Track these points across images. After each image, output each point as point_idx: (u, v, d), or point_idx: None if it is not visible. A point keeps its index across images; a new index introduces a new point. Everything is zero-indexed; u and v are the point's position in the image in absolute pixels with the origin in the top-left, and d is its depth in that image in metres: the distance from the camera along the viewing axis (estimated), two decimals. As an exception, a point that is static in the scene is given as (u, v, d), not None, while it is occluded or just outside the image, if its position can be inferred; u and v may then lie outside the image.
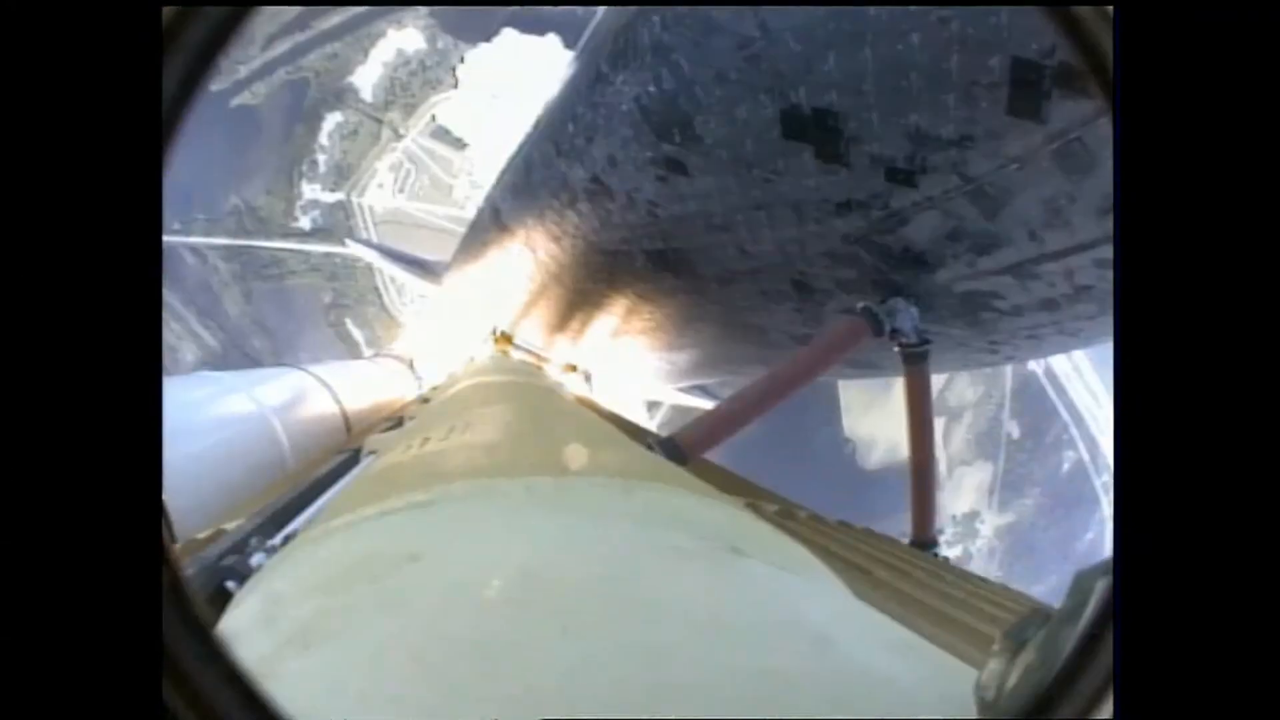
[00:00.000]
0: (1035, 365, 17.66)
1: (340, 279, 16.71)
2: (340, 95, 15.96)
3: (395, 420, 4.28)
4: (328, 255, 16.42)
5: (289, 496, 2.16)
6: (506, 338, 9.17)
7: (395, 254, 14.72)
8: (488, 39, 15.78)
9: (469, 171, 16.07)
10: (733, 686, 0.75)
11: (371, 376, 7.53)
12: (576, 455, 1.85)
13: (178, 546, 2.25)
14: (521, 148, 6.56)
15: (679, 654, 0.81)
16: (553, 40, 15.50)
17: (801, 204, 4.07)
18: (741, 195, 4.27)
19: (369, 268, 16.08)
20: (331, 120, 16.06)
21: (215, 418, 4.02)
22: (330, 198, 16.21)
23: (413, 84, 16.07)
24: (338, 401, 5.36)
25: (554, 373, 8.51)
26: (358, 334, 16.43)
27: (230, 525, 2.09)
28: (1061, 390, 18.19)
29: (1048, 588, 18.28)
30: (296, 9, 15.37)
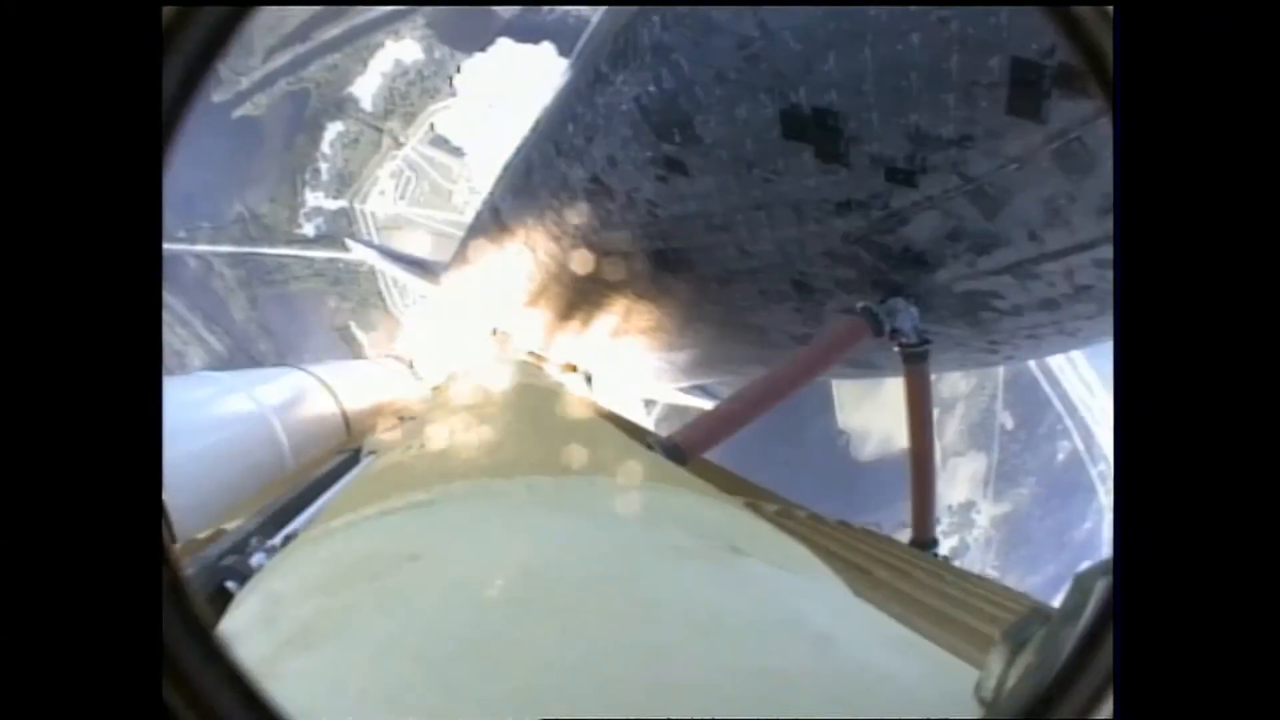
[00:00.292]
0: (1029, 356, 17.73)
1: (344, 283, 17.11)
2: (341, 105, 16.39)
3: (395, 420, 4.28)
4: (331, 260, 16.82)
5: (289, 496, 2.16)
6: (506, 337, 9.17)
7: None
8: (483, 48, 16.14)
9: (467, 178, 16.38)
10: (732, 686, 0.75)
11: (371, 376, 7.53)
12: (576, 455, 1.85)
13: (178, 546, 2.25)
14: (521, 148, 6.56)
15: (679, 653, 0.81)
16: (547, 48, 15.83)
17: (801, 204, 4.07)
18: (741, 195, 4.27)
19: (372, 272, 16.42)
20: (333, 129, 16.50)
21: (215, 417, 4.02)
22: (333, 205, 16.64)
23: (411, 93, 16.47)
24: (338, 401, 5.35)
25: (554, 372, 8.51)
26: (362, 337, 16.68)
27: (230, 525, 2.09)
28: (1054, 381, 18.25)
29: (1045, 577, 18.37)
30: (296, 21, 15.66)
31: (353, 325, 16.74)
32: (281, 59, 15.99)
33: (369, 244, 15.81)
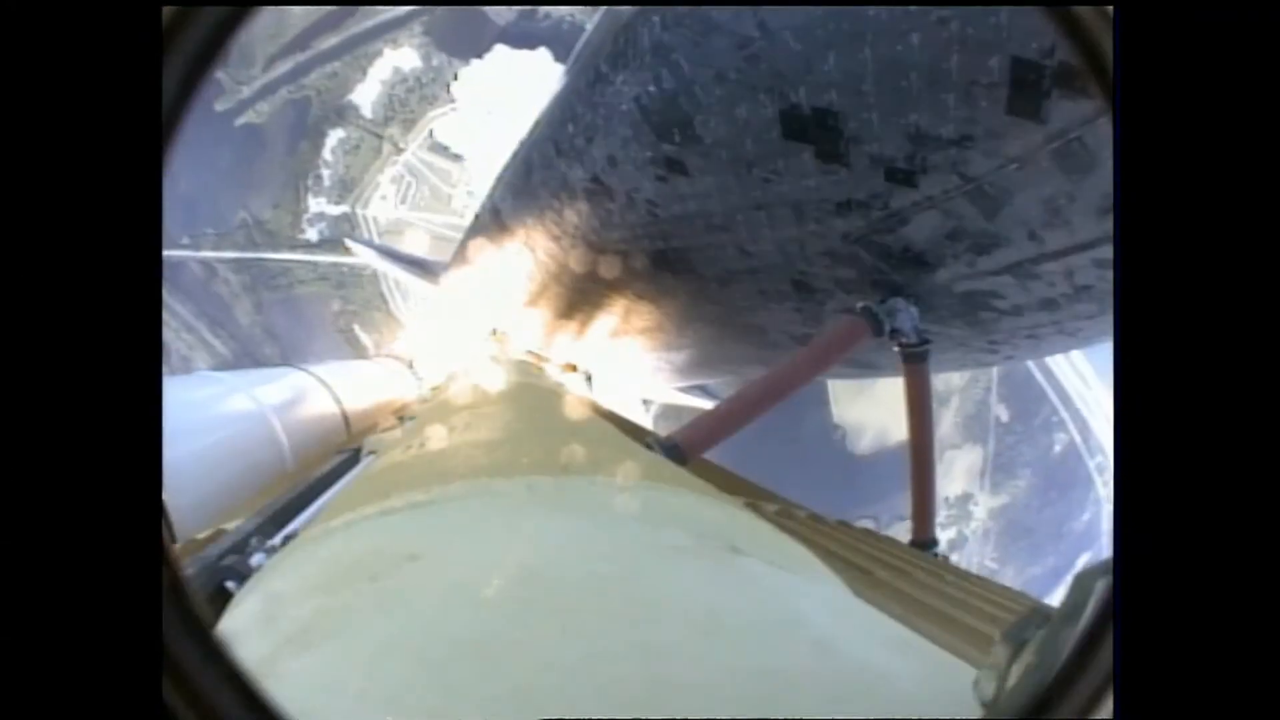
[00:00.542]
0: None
1: (347, 286, 17.44)
2: (341, 112, 16.72)
3: (395, 420, 4.29)
4: (335, 265, 17.17)
5: (289, 496, 2.16)
6: (505, 337, 9.17)
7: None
8: (479, 55, 16.45)
9: (466, 182, 16.68)
10: (732, 685, 0.75)
11: (371, 376, 7.53)
12: (576, 455, 1.85)
13: (178, 546, 2.25)
14: (521, 148, 6.56)
15: (678, 653, 0.81)
16: (543, 54, 16.14)
17: (801, 204, 4.07)
18: (741, 195, 4.27)
19: (375, 275, 16.67)
20: (334, 136, 16.85)
21: (215, 417, 4.02)
22: (335, 210, 17.00)
23: (410, 100, 16.81)
24: (338, 401, 5.35)
25: (554, 372, 8.51)
26: (365, 339, 16.92)
27: (230, 525, 2.09)
28: (1049, 373, 18.29)
29: (1045, 569, 18.40)
30: (296, 30, 15.98)
31: (356, 328, 16.93)
32: (282, 68, 16.32)
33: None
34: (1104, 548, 18.06)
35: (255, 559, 1.61)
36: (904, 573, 2.37)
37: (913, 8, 2.96)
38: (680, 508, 1.54)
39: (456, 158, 16.87)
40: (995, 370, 18.40)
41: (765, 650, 0.85)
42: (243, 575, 1.53)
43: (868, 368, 5.93)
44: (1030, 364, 18.11)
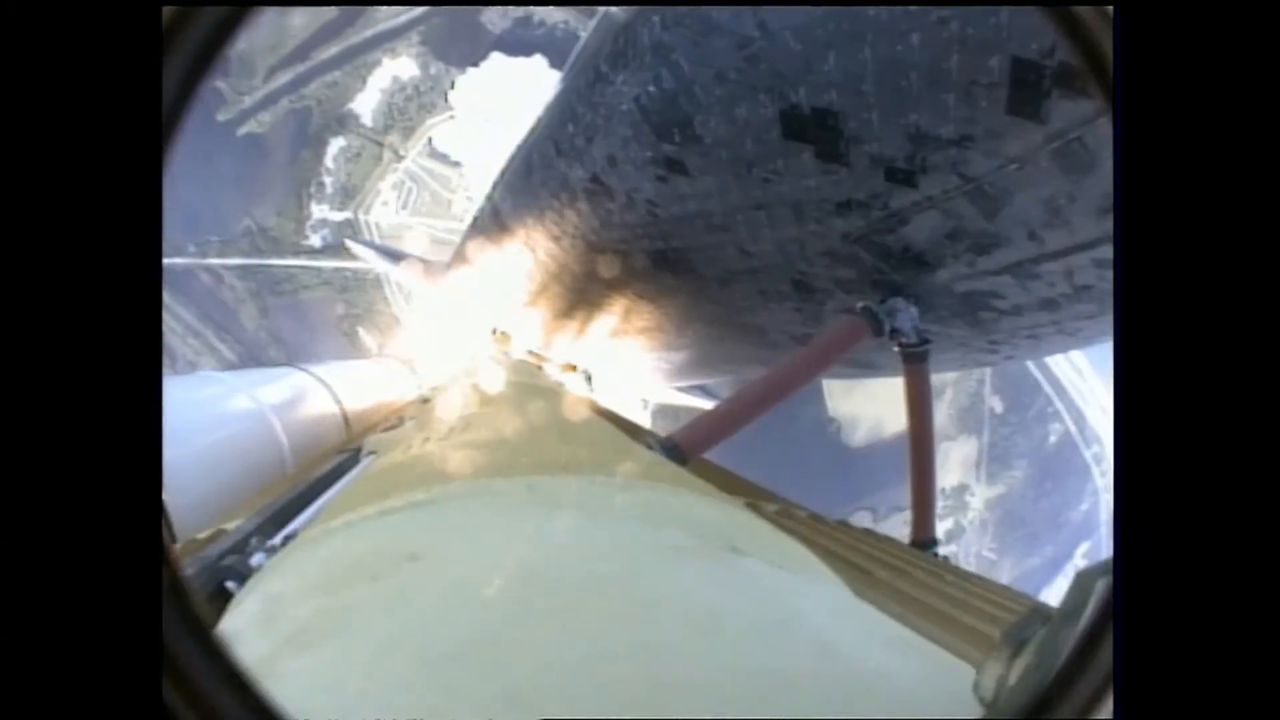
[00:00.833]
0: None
1: (351, 290, 17.83)
2: (342, 121, 17.09)
3: (395, 420, 4.29)
4: (338, 270, 17.56)
5: (289, 496, 2.16)
6: (505, 337, 9.17)
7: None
8: (476, 63, 16.82)
9: (465, 187, 17.08)
10: (732, 685, 0.75)
11: (371, 376, 7.53)
12: (576, 455, 1.85)
13: (178, 546, 2.25)
14: (521, 148, 6.56)
15: (678, 653, 0.81)
16: (539, 61, 16.45)
17: (801, 204, 4.07)
18: (741, 195, 4.27)
19: (378, 279, 16.95)
20: (335, 145, 17.23)
21: (215, 417, 4.01)
22: (338, 216, 17.38)
23: (409, 108, 17.17)
24: (338, 401, 5.35)
25: (554, 372, 8.52)
26: (369, 341, 17.21)
27: (230, 525, 2.09)
28: (1043, 365, 18.31)
29: (1044, 559, 18.42)
30: (296, 41, 16.40)
31: (360, 330, 17.17)
32: (283, 78, 16.67)
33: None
34: (1102, 537, 18.10)
35: (255, 559, 1.61)
36: (904, 573, 2.37)
37: (913, 8, 2.96)
38: (680, 508, 1.54)
39: (455, 164, 17.24)
40: (989, 362, 18.41)
41: (765, 650, 0.85)
42: (243, 575, 1.53)
43: (868, 368, 5.93)
44: (1025, 357, 18.13)
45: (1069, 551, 18.42)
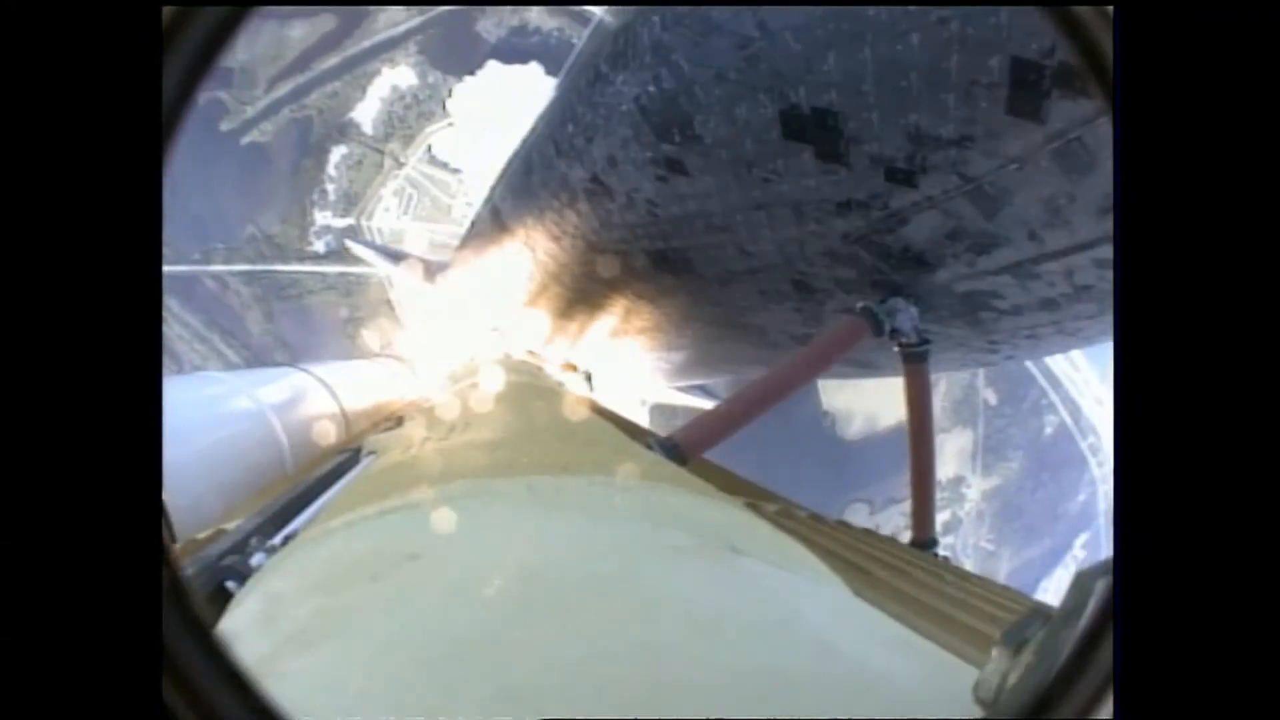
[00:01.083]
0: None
1: (355, 294, 18.24)
2: (343, 130, 17.49)
3: (395, 420, 4.28)
4: (342, 274, 17.99)
5: (289, 496, 2.16)
6: (505, 337, 9.17)
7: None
8: (472, 72, 17.26)
9: (465, 193, 17.68)
10: (732, 685, 0.75)
11: (371, 376, 7.53)
12: (576, 455, 1.85)
13: (178, 546, 2.24)
14: (521, 148, 6.56)
15: (678, 653, 0.81)
16: (535, 68, 16.86)
17: (801, 204, 4.07)
18: (741, 195, 4.27)
19: (381, 283, 17.31)
20: (337, 153, 17.63)
21: (215, 417, 4.01)
22: (341, 223, 17.79)
23: (409, 117, 17.60)
24: (337, 401, 5.35)
25: (554, 372, 8.51)
26: (373, 343, 17.62)
27: (230, 525, 2.09)
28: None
29: (1043, 549, 18.44)
30: (296, 52, 16.87)
31: (365, 333, 17.47)
32: (284, 88, 17.05)
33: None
34: (1100, 528, 18.12)
35: (255, 559, 1.61)
36: (904, 573, 2.37)
37: (913, 8, 2.96)
38: (680, 508, 1.54)
39: (455, 170, 17.63)
40: (983, 355, 18.45)
41: (765, 650, 0.85)
42: (243, 575, 1.53)
43: (868, 367, 5.93)
44: (1019, 348, 18.15)
45: (1068, 542, 18.47)
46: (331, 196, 17.63)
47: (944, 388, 18.31)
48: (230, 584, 1.52)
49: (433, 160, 17.68)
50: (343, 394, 5.48)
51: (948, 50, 2.96)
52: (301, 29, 16.70)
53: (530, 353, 8.92)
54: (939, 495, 18.03)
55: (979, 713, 0.65)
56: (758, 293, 5.25)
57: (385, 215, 17.73)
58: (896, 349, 4.57)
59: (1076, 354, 17.82)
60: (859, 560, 2.37)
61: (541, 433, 2.51)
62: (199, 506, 2.92)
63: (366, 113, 17.42)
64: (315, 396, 5.18)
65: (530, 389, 4.73)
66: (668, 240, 5.17)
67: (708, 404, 10.93)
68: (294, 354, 17.34)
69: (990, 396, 18.76)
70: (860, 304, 4.38)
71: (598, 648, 0.80)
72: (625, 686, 0.73)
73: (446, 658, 0.78)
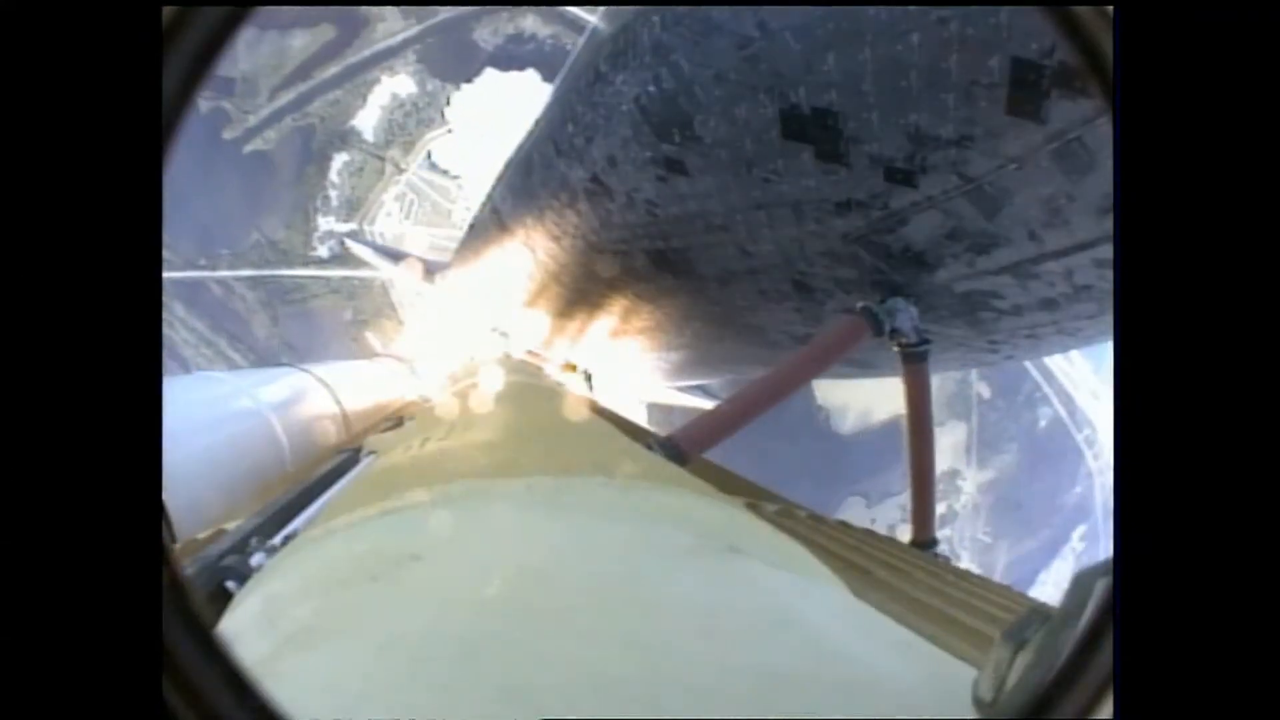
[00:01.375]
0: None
1: (358, 297, 18.61)
2: (344, 137, 17.89)
3: (395, 420, 4.28)
4: (346, 278, 18.41)
5: (289, 496, 2.16)
6: (506, 337, 9.17)
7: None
8: (470, 80, 17.65)
9: (464, 197, 18.05)
10: (732, 685, 0.75)
11: (371, 376, 7.53)
12: (576, 455, 1.85)
13: (178, 546, 2.25)
14: (521, 148, 6.57)
15: (678, 653, 0.81)
16: (531, 75, 17.22)
17: (801, 204, 4.07)
18: (741, 195, 4.27)
19: (384, 286, 17.58)
20: (339, 160, 18.03)
21: (215, 417, 4.01)
22: (344, 228, 18.18)
23: (408, 124, 18.00)
24: (338, 401, 5.35)
25: (554, 372, 8.52)
26: (377, 345, 17.96)
27: (230, 525, 2.09)
28: None
29: (1041, 541, 18.49)
30: (296, 62, 17.26)
31: (369, 335, 17.71)
32: (286, 97, 17.43)
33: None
34: (1099, 519, 18.16)
35: (255, 559, 1.61)
36: (904, 573, 2.37)
37: (913, 8, 2.96)
38: (680, 508, 1.54)
39: (454, 176, 18.06)
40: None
41: (765, 650, 0.85)
42: (243, 575, 1.53)
43: (867, 367, 5.93)
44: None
45: (1065, 535, 18.53)
46: (334, 202, 18.03)
47: (937, 382, 18.32)
48: (230, 584, 1.52)
49: (432, 166, 18.10)
50: (343, 394, 5.48)
51: (948, 50, 2.96)
52: (302, 39, 17.10)
53: (530, 353, 8.93)
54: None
55: (979, 713, 0.65)
56: (758, 293, 5.25)
57: (387, 220, 18.16)
58: (896, 349, 4.57)
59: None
60: (859, 560, 2.37)
61: (541, 433, 2.51)
62: (199, 506, 2.92)
63: (367, 120, 17.86)
64: (315, 396, 5.18)
65: (530, 389, 4.73)
66: (668, 240, 5.17)
67: (708, 404, 10.92)
68: (299, 357, 17.71)
69: (983, 390, 18.86)
70: (860, 304, 4.37)
71: (598, 648, 0.80)
72: (625, 686, 0.73)
73: (446, 658, 0.78)
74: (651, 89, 4.11)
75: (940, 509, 17.97)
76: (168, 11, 0.57)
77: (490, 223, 7.89)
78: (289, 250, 18.03)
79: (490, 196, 8.00)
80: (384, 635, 0.87)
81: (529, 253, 7.05)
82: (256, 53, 16.67)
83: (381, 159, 17.84)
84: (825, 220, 4.06)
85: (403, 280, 15.97)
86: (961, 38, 2.91)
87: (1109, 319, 2.76)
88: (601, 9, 5.13)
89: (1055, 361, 18.28)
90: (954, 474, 18.87)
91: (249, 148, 17.29)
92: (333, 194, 17.94)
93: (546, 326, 8.49)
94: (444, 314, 12.37)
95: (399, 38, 17.39)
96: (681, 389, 12.74)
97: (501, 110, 16.76)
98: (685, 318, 6.53)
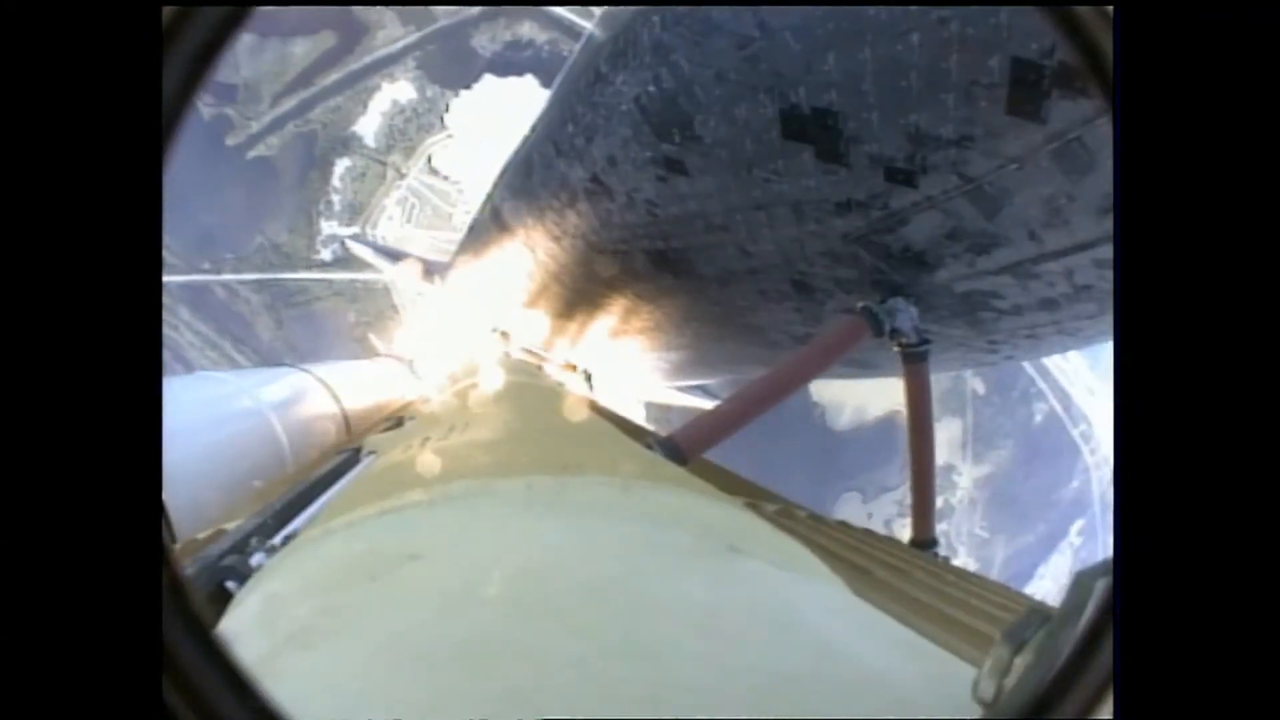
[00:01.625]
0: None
1: (361, 300, 18.95)
2: (346, 143, 18.21)
3: (395, 420, 4.28)
4: (350, 281, 18.75)
5: (289, 496, 2.16)
6: (506, 337, 9.17)
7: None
8: (469, 86, 17.93)
9: (464, 201, 18.27)
10: (732, 686, 0.75)
11: (371, 376, 7.53)
12: (576, 455, 1.85)
13: (178, 546, 2.25)
14: (521, 148, 6.57)
15: (678, 653, 0.81)
16: (529, 80, 17.52)
17: (801, 204, 4.07)
18: (741, 195, 4.27)
19: (387, 288, 18.03)
20: (341, 165, 18.38)
21: (215, 417, 4.02)
22: (347, 231, 18.50)
23: (409, 129, 18.32)
24: (338, 401, 5.35)
25: (554, 371, 8.51)
26: (380, 346, 18.18)
27: (230, 525, 2.08)
28: None
29: (1037, 536, 18.55)
30: (298, 69, 17.64)
31: (371, 336, 17.92)
32: (288, 104, 17.71)
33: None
34: (1096, 514, 18.18)
35: (255, 559, 1.61)
36: (904, 573, 2.37)
37: (913, 8, 2.96)
38: (680, 508, 1.54)
39: (454, 180, 18.37)
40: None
41: (765, 650, 0.85)
42: (243, 575, 1.52)
43: (868, 367, 5.93)
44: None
45: (1063, 529, 18.58)
46: (337, 207, 18.33)
47: (932, 377, 18.40)
48: (230, 584, 1.52)
49: (433, 171, 18.38)
50: (343, 394, 5.48)
51: (948, 50, 2.96)
52: (303, 46, 17.35)
53: (530, 352, 8.93)
54: (930, 483, 18.13)
55: (979, 713, 0.65)
56: (758, 293, 5.25)
57: (389, 224, 18.46)
58: (896, 349, 4.57)
59: (1067, 342, 17.95)
60: (859, 560, 2.37)
61: (541, 433, 2.51)
62: (199, 506, 2.92)
63: (368, 126, 18.17)
64: (315, 396, 5.19)
65: (530, 389, 4.73)
66: (668, 240, 5.17)
67: (708, 404, 10.93)
68: (303, 359, 17.94)
69: (978, 386, 18.92)
70: (860, 304, 4.37)
71: (598, 648, 0.80)
72: (625, 686, 0.73)
73: (446, 658, 0.78)
74: (651, 89, 4.11)
75: (937, 504, 18.01)
76: (168, 11, 0.57)
77: (490, 223, 7.90)
78: (292, 254, 18.33)
79: (490, 197, 8.00)
80: (383, 635, 0.87)
81: (529, 253, 7.05)
82: (259, 60, 16.86)
83: (383, 164, 18.14)
84: (825, 220, 4.06)
85: (403, 280, 16.04)
86: (961, 38, 2.91)
87: (1109, 319, 2.77)
88: (601, 9, 5.13)
89: (1051, 358, 18.35)
90: (949, 469, 18.93)
91: (252, 154, 17.58)
92: (335, 199, 18.26)
93: (546, 326, 8.49)
94: (444, 314, 12.38)
95: (399, 45, 17.68)
96: (681, 389, 12.74)
97: (500, 115, 17.05)
98: (685, 318, 6.54)
